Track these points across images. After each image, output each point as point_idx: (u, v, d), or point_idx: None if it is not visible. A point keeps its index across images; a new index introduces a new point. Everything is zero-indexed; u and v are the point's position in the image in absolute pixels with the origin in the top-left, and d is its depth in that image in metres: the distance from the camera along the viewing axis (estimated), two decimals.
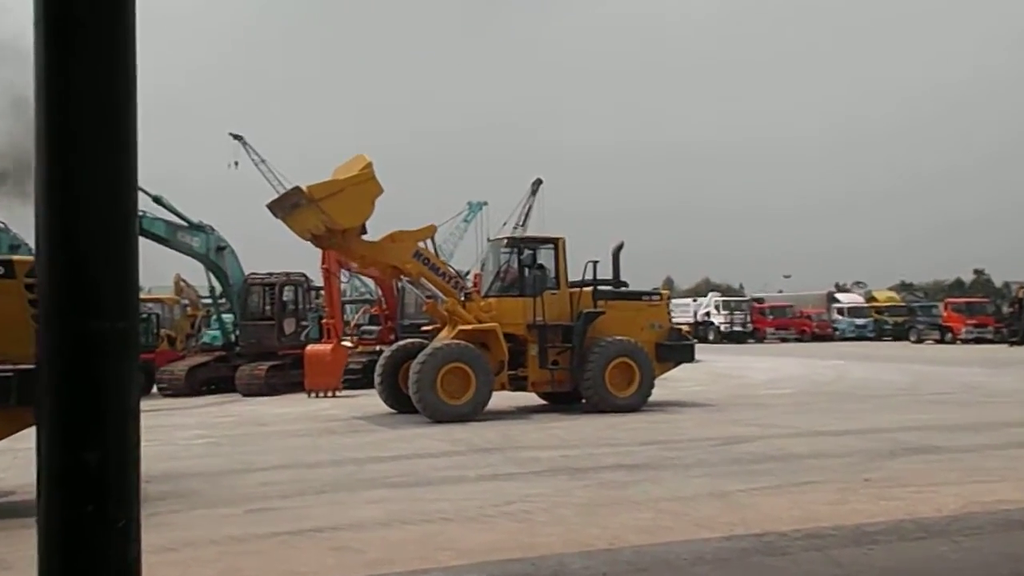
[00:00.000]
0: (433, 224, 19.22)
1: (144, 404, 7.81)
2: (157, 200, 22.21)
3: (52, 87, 1.74)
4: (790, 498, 7.91)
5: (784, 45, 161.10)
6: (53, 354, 1.74)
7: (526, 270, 16.16)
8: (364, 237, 15.38)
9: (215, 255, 22.86)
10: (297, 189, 14.65)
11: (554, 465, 9.95)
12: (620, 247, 17.60)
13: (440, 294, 15.69)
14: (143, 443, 1.83)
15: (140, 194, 2.61)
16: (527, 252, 16.31)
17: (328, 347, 20.45)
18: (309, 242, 15.28)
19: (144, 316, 23.06)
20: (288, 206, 14.57)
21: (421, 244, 15.84)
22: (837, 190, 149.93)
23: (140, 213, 22.21)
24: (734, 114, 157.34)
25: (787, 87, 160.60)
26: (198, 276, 27.20)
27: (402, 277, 16.14)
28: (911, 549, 6.16)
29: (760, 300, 57.67)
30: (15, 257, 8.26)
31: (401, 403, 15.69)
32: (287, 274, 23.48)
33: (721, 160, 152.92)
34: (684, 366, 18.08)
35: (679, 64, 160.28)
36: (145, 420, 1.96)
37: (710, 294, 59.13)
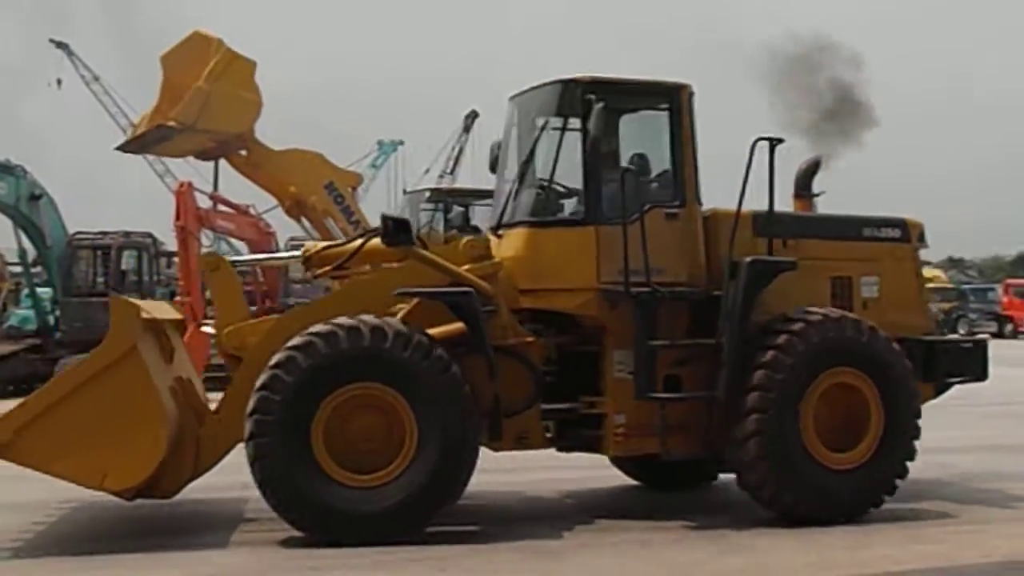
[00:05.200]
0: (359, 173, 19.90)
1: None
2: None
3: None
4: None
5: None
6: None
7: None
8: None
9: (27, 206, 22.30)
10: (160, 127, 15.81)
11: None
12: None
13: None
14: None
15: None
16: (457, 209, 16.23)
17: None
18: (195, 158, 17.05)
19: None
20: (152, 141, 16.03)
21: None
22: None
23: None
24: None
25: None
26: (4, 235, 26.68)
27: (301, 218, 17.17)
28: None
29: None
30: (909, 219, 10.01)
31: None
32: (127, 234, 23.02)
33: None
34: None
35: None
36: None
37: None
